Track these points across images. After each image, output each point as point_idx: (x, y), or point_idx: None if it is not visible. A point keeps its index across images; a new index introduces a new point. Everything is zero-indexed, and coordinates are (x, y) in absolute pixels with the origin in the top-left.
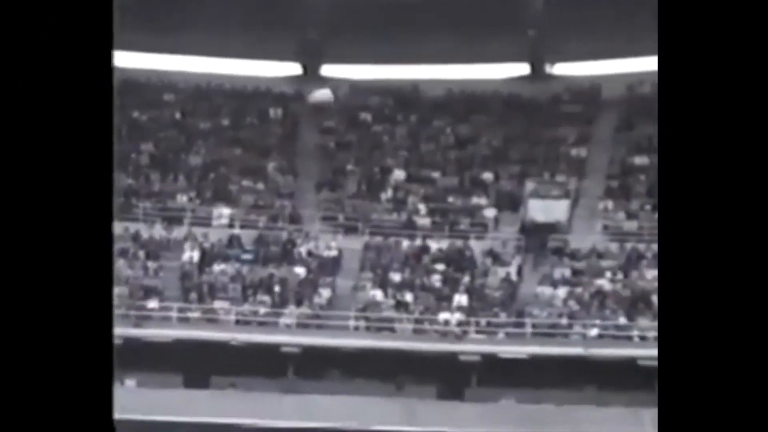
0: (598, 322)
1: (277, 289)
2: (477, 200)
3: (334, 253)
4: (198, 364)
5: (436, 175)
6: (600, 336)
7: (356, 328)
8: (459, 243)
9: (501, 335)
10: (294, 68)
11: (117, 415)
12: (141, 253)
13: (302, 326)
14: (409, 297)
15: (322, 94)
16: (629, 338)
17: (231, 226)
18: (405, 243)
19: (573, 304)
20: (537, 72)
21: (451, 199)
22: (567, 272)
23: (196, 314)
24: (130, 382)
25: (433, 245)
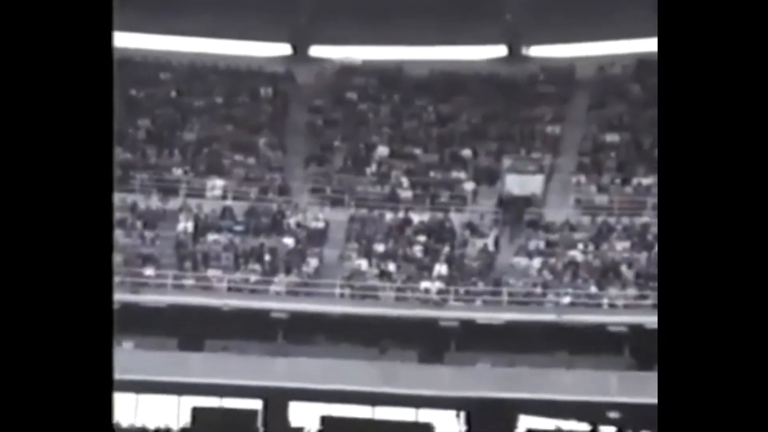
0: (570, 290)
1: (267, 258)
2: (457, 175)
3: (321, 224)
4: (192, 328)
5: (418, 151)
6: (572, 304)
7: (342, 296)
8: (439, 215)
9: (479, 303)
10: (284, 49)
11: (115, 376)
12: (138, 223)
13: (291, 293)
14: (392, 266)
15: (349, 58)
16: (599, 306)
17: (224, 198)
18: (388, 215)
19: (547, 274)
20: (514, 54)
21: (432, 174)
22: (541, 244)
23: (190, 281)
24: (127, 345)
25: (415, 217)
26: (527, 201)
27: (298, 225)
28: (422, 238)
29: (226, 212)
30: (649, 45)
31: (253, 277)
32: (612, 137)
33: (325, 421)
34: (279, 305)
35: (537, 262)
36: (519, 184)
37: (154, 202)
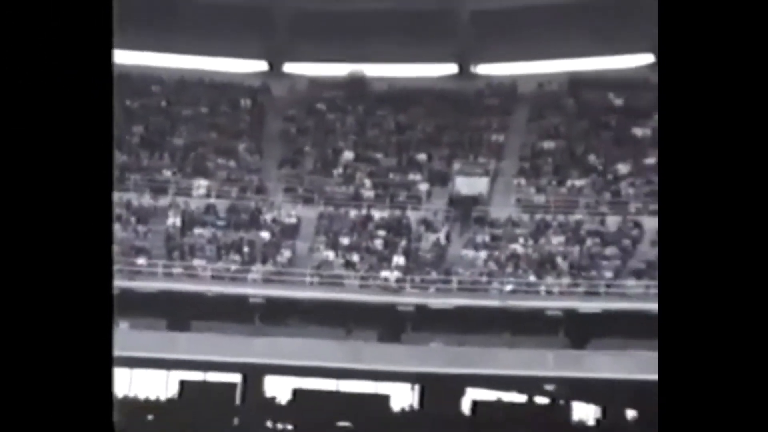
0: (512, 279)
1: (246, 249)
2: (413, 177)
3: (293, 220)
4: (179, 311)
5: (379, 155)
6: (513, 291)
7: (311, 283)
8: (397, 213)
9: (432, 290)
10: (261, 65)
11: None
12: (132, 219)
13: (267, 281)
14: (355, 257)
15: (357, 70)
16: (537, 293)
17: (208, 196)
18: (353, 212)
19: (492, 265)
20: (463, 71)
21: (391, 176)
22: (487, 238)
23: (178, 270)
24: (123, 325)
25: (376, 214)
26: (474, 200)
27: (273, 220)
28: (382, 233)
29: (210, 209)
30: (580, 64)
31: (233, 267)
32: (549, 144)
33: (297, 392)
34: (256, 291)
35: (483, 254)
36: (467, 185)
37: (147, 199)
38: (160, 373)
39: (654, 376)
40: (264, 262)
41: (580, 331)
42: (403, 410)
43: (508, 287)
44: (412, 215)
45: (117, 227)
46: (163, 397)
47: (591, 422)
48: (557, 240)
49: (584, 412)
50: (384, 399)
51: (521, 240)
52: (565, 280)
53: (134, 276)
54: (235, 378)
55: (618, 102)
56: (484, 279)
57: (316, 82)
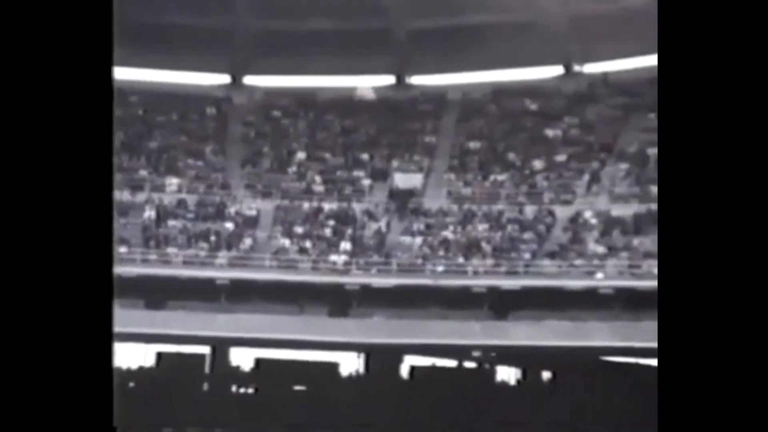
0: (443, 261)
1: (213, 238)
2: (357, 173)
3: (254, 212)
4: (156, 293)
5: (327, 155)
6: (445, 271)
7: (270, 267)
8: (344, 205)
9: (374, 271)
10: (224, 78)
11: None
12: (113, 213)
13: (231, 265)
14: (308, 244)
15: (365, 92)
16: (465, 273)
17: (179, 192)
18: (305, 205)
19: (426, 249)
20: (400, 82)
21: (338, 173)
22: (422, 226)
23: (153, 257)
24: None
25: (326, 206)
26: (411, 193)
27: (236, 213)
28: (331, 222)
29: (181, 203)
30: (501, 75)
31: (202, 253)
32: (474, 144)
33: (259, 361)
34: (222, 274)
35: (418, 240)
36: (404, 180)
37: (126, 196)
38: (139, 346)
39: (565, 342)
40: (229, 249)
41: (502, 305)
42: (350, 375)
43: (440, 268)
44: (357, 207)
45: None
46: (142, 367)
47: (512, 383)
48: (482, 227)
49: (506, 374)
50: (334, 366)
51: (451, 227)
52: (489, 262)
53: (116, 263)
54: (205, 350)
55: (533, 107)
56: (420, 261)
57: (271, 93)
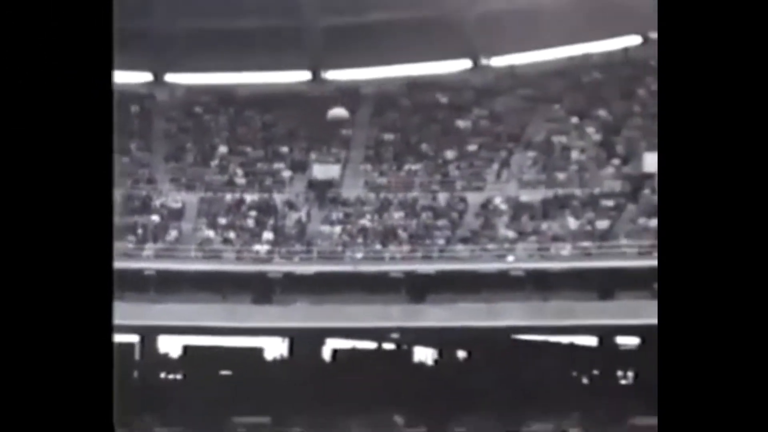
0: (362, 248)
1: (139, 231)
2: (277, 166)
3: (179, 205)
4: None
5: (248, 149)
6: (364, 258)
7: (196, 257)
8: (266, 196)
9: (296, 259)
10: (147, 77)
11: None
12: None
13: (158, 256)
14: (232, 234)
15: (339, 112)
16: (383, 259)
17: None
18: (228, 196)
19: (345, 237)
20: (316, 77)
21: (259, 166)
22: (340, 215)
23: None
24: None
25: (248, 198)
26: (329, 184)
27: (162, 206)
28: (253, 213)
29: None
30: (413, 69)
31: (130, 245)
32: (388, 136)
33: (186, 348)
34: (149, 265)
35: (337, 228)
36: (323, 171)
37: None
38: None
39: (478, 323)
40: (155, 240)
41: (418, 288)
42: (275, 359)
43: (359, 255)
44: (278, 197)
45: None
46: None
47: (430, 362)
48: (398, 215)
49: (424, 354)
50: (259, 351)
51: (368, 216)
52: (405, 248)
53: None
54: (134, 338)
55: (444, 100)
56: (339, 249)
57: (193, 90)
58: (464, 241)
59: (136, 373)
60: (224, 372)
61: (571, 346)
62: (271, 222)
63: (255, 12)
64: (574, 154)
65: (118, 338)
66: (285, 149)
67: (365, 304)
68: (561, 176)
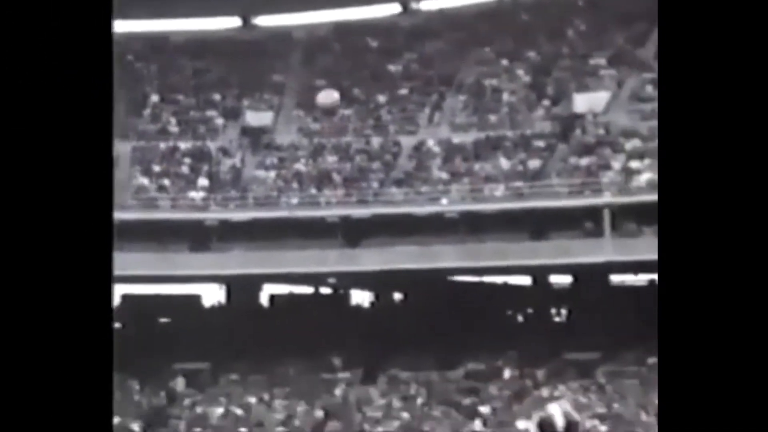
0: (297, 193)
1: None
2: (210, 113)
3: (113, 154)
4: None
5: (181, 97)
6: (299, 203)
7: (131, 206)
8: (199, 143)
9: (232, 206)
10: None
11: None
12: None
13: None
14: (167, 182)
15: (329, 95)
16: (318, 204)
17: None
18: (162, 145)
19: (280, 182)
20: (246, 23)
21: (192, 113)
22: (275, 160)
23: None
24: None
25: (182, 145)
26: (262, 130)
27: None
28: (188, 160)
29: None
30: (342, 14)
31: None
32: (320, 82)
33: (124, 297)
34: None
35: (272, 173)
36: (256, 118)
37: None
38: None
39: (414, 265)
40: None
41: (354, 233)
42: (213, 306)
43: (294, 200)
44: (212, 144)
45: None
46: None
47: (366, 305)
48: (332, 159)
49: (361, 297)
50: (197, 298)
51: (303, 160)
52: (340, 192)
53: None
54: None
55: (374, 44)
56: (275, 194)
57: (123, 37)
58: (398, 183)
59: None
60: (163, 320)
61: (506, 286)
62: (205, 169)
63: None
64: (505, 96)
65: None
66: (217, 96)
67: (302, 250)
68: (492, 118)
